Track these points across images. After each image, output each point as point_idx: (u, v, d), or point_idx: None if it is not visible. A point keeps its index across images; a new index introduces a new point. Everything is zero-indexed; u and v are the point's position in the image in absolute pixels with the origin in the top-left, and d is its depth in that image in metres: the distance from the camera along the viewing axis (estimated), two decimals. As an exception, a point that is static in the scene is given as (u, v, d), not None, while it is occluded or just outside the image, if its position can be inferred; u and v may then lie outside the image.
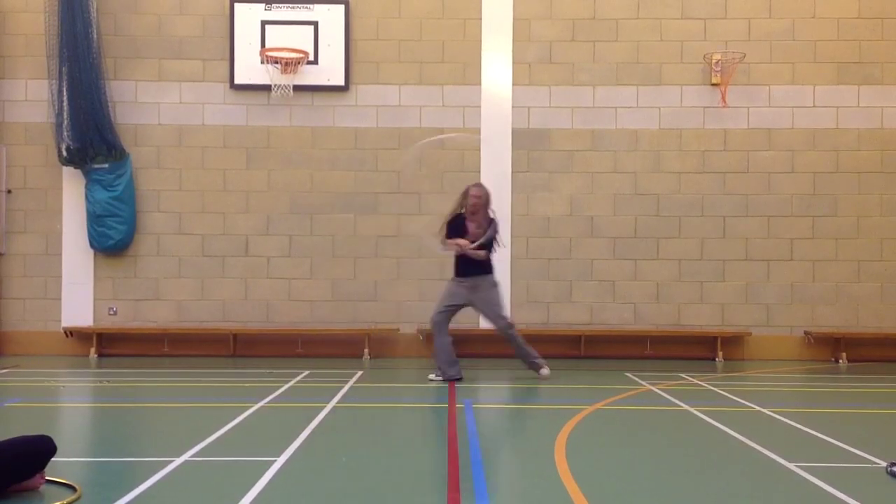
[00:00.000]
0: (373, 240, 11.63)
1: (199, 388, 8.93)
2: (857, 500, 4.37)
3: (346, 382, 8.89)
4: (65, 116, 11.20)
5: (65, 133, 11.21)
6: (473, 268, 9.06)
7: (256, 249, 11.67)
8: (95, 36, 11.25)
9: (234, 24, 11.56)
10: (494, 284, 9.18)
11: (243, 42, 11.55)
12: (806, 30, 11.65)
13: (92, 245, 11.50)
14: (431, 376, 9.18)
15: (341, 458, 5.34)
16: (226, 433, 6.09)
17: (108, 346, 11.57)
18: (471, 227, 9.00)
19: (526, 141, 11.64)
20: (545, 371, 9.24)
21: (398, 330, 11.57)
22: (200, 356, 11.42)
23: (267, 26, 11.53)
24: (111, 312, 11.59)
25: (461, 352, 11.46)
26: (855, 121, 11.64)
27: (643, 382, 9.07)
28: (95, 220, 11.38)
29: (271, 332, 11.50)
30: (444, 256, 11.55)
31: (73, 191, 11.61)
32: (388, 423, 6.89)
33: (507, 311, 9.57)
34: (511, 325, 9.26)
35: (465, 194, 9.10)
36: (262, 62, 11.40)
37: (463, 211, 9.12)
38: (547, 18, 11.69)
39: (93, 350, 11.42)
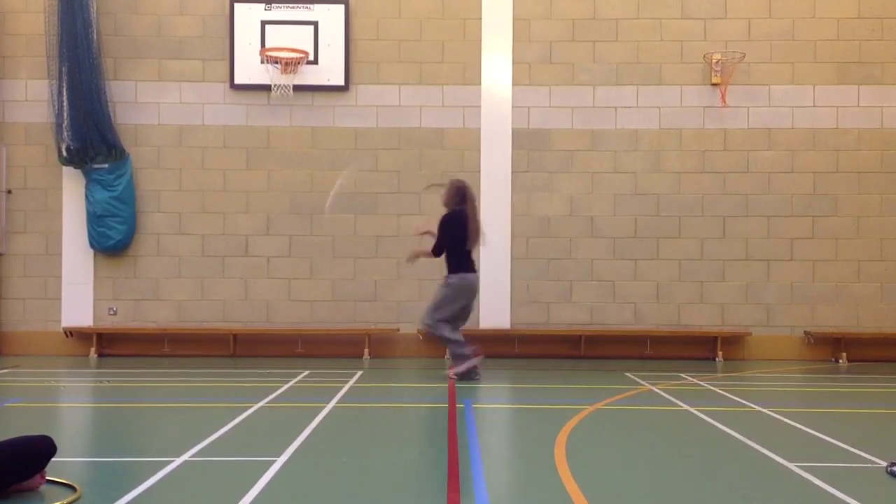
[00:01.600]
0: (373, 240, 11.63)
1: (199, 388, 8.92)
2: (857, 500, 4.37)
3: (346, 382, 8.89)
4: (65, 116, 11.21)
5: (65, 133, 11.21)
6: (447, 265, 9.21)
7: (256, 249, 11.67)
8: (95, 36, 11.25)
9: (234, 24, 11.56)
10: (446, 285, 9.11)
11: (243, 42, 11.55)
12: (806, 30, 11.65)
13: (92, 245, 11.50)
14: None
15: (341, 459, 5.34)
16: (226, 433, 6.08)
17: (108, 346, 11.57)
18: None
19: (526, 141, 11.64)
20: (460, 369, 9.05)
21: (398, 330, 11.57)
22: (200, 356, 11.43)
23: (267, 26, 11.53)
24: (111, 312, 11.59)
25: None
26: (855, 121, 11.64)
27: (643, 382, 9.07)
28: (95, 220, 11.38)
29: (271, 332, 11.50)
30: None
31: (73, 191, 11.61)
32: (388, 423, 6.89)
33: (437, 314, 9.06)
34: (430, 328, 9.15)
35: None
36: (262, 62, 11.40)
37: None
38: (547, 18, 11.69)
39: (93, 350, 11.42)
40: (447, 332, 9.10)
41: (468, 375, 9.03)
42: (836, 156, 11.64)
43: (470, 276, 9.10)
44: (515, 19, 11.67)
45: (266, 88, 11.48)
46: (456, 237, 9.02)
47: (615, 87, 11.68)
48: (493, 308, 11.57)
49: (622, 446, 5.93)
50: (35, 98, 11.62)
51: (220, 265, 11.66)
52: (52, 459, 4.56)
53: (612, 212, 11.66)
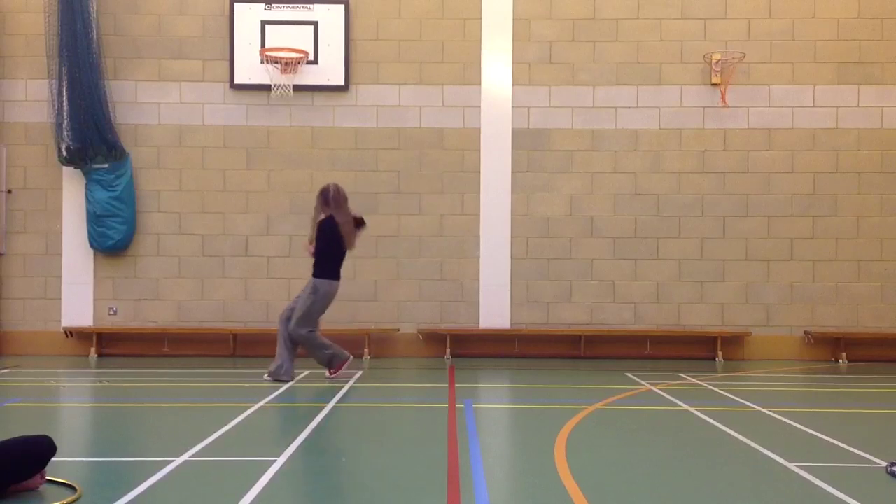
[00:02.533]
0: (373, 240, 11.61)
1: (199, 388, 8.93)
2: (857, 500, 4.37)
3: (346, 382, 8.90)
4: (65, 116, 11.20)
5: (65, 133, 11.21)
6: (315, 267, 9.07)
7: (256, 249, 11.67)
8: (95, 36, 11.25)
9: (234, 24, 11.56)
10: (315, 291, 8.97)
11: (243, 42, 11.54)
12: (806, 30, 11.65)
13: (92, 245, 11.49)
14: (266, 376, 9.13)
15: (341, 459, 5.34)
16: (226, 433, 6.09)
17: (108, 346, 11.57)
18: None
19: (526, 141, 11.64)
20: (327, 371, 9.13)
21: (398, 330, 11.57)
22: (200, 356, 11.42)
23: (267, 26, 11.53)
24: (111, 312, 11.58)
25: (462, 352, 11.51)
26: (855, 121, 11.64)
27: (643, 382, 9.07)
28: (95, 220, 11.37)
29: (271, 332, 11.45)
30: (444, 257, 11.61)
31: (73, 191, 11.60)
32: (388, 423, 6.90)
33: (308, 326, 9.03)
34: (305, 335, 8.97)
35: None
36: (262, 62, 11.39)
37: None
38: (547, 18, 11.69)
39: (93, 350, 11.42)
40: (318, 340, 9.07)
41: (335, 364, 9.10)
42: (835, 156, 11.64)
43: (336, 283, 9.10)
44: (515, 19, 11.67)
45: (266, 88, 11.48)
46: (334, 243, 8.95)
47: (615, 87, 11.68)
48: (493, 308, 11.57)
49: (622, 446, 5.93)
50: (35, 98, 11.61)
51: (220, 265, 11.66)
52: (52, 459, 4.56)
53: (612, 212, 11.66)
